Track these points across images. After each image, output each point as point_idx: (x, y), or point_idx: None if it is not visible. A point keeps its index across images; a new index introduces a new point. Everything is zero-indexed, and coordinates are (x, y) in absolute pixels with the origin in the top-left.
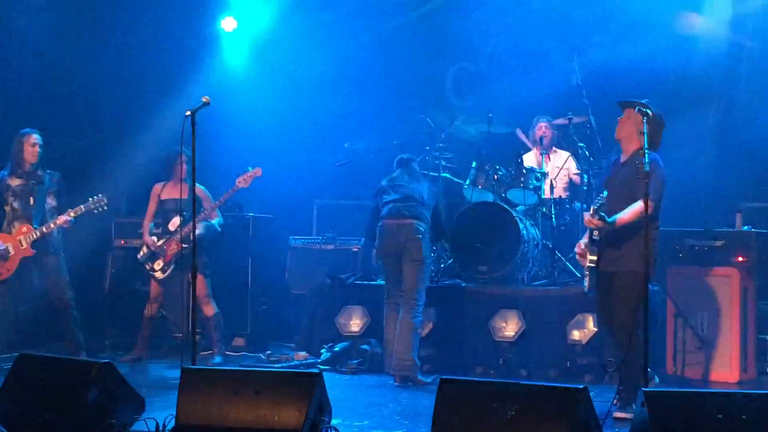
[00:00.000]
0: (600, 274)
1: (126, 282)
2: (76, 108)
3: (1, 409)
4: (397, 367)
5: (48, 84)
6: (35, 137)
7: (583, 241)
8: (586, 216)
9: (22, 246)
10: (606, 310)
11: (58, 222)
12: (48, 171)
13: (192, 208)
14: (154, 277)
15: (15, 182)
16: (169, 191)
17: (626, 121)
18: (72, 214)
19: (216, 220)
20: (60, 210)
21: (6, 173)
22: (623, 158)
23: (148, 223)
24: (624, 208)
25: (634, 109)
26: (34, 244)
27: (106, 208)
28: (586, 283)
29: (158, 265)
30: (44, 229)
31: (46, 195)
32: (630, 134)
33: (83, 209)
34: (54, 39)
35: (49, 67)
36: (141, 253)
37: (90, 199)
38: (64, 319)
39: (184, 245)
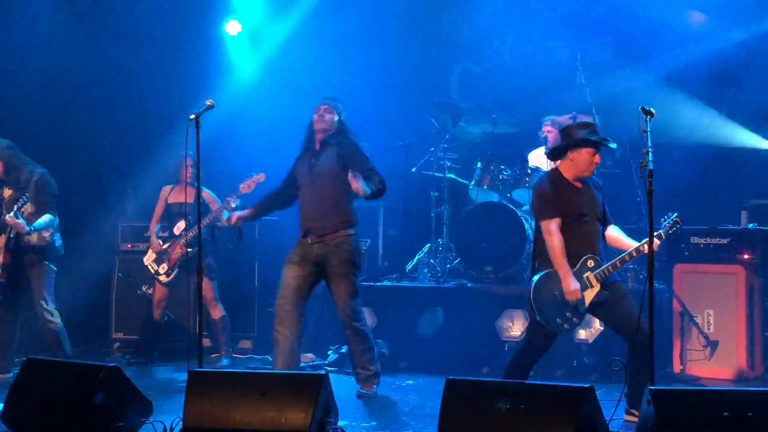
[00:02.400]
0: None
1: (132, 286)
2: (81, 115)
3: (8, 413)
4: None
5: (53, 93)
6: None
7: (575, 282)
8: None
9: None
10: (618, 321)
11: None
12: (34, 171)
13: (197, 212)
14: (158, 280)
15: (7, 193)
16: (175, 195)
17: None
18: (11, 213)
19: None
20: (38, 212)
21: None
22: (578, 185)
23: (154, 226)
24: (599, 230)
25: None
26: (15, 250)
27: (22, 203)
28: (574, 320)
29: (162, 268)
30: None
31: (20, 200)
32: None
33: (16, 209)
34: (60, 46)
35: (54, 75)
36: (146, 256)
37: (20, 198)
38: (43, 332)
39: (189, 249)
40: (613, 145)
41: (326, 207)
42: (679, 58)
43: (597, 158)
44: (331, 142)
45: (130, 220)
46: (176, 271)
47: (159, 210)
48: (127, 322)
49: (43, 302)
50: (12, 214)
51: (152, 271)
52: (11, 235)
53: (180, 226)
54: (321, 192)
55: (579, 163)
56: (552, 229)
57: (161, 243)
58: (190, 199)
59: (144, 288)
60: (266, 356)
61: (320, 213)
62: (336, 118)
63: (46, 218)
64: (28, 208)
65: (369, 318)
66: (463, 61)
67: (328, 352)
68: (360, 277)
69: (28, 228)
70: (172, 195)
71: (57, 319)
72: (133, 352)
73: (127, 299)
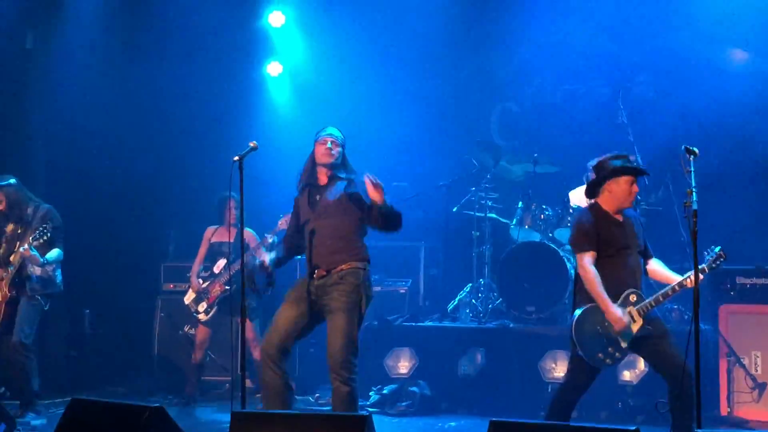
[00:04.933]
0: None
1: (175, 326)
2: (125, 157)
3: None
4: None
5: (98, 134)
6: None
7: (619, 310)
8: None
9: (2, 291)
10: (662, 359)
11: (22, 257)
12: (39, 207)
13: (240, 251)
14: (197, 319)
15: (9, 227)
16: (219, 235)
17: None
18: (26, 246)
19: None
20: (46, 246)
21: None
22: (620, 218)
23: (197, 267)
24: (641, 263)
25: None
26: (13, 285)
27: (39, 235)
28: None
29: (202, 307)
30: (13, 268)
31: (26, 235)
32: None
33: (32, 242)
34: (103, 85)
35: (97, 116)
36: (186, 295)
37: (37, 230)
38: (11, 363)
39: (227, 287)
40: (648, 173)
41: (335, 242)
42: (722, 96)
43: (635, 187)
44: (339, 175)
45: (172, 260)
46: (215, 309)
47: (203, 251)
48: (169, 362)
49: (21, 335)
50: (27, 246)
51: (192, 310)
52: (13, 269)
53: (220, 265)
54: (328, 228)
55: (618, 193)
56: (585, 262)
57: (201, 282)
58: (232, 239)
59: (186, 328)
60: (308, 397)
61: (328, 249)
62: (341, 151)
63: (55, 252)
64: (33, 240)
65: (410, 359)
66: (503, 100)
67: (370, 393)
68: (361, 324)
69: (41, 260)
70: (216, 235)
71: (30, 354)
72: (176, 392)
73: (169, 339)
